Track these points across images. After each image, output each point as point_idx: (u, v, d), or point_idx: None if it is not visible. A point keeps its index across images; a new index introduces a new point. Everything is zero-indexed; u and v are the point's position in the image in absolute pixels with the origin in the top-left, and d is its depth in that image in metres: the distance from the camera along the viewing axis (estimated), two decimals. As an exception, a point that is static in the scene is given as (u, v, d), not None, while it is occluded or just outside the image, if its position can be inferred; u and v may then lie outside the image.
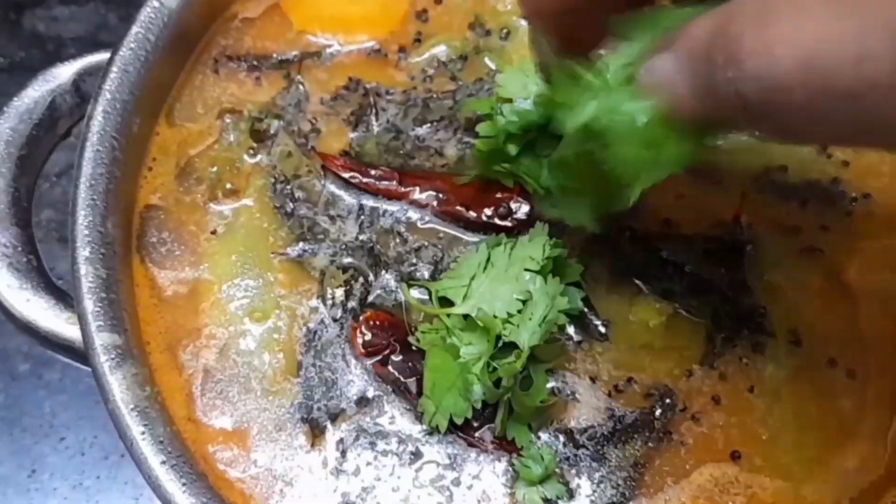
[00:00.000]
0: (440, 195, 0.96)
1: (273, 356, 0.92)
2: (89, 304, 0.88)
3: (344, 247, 0.96)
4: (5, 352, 1.15)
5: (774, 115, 0.58)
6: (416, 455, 0.89)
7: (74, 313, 0.90)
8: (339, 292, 0.94)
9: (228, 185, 0.98)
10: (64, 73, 1.02)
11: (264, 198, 0.98)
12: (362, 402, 0.90)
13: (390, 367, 0.89)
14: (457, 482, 0.88)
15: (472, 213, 0.95)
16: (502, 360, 0.85)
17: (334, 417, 0.90)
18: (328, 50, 1.04)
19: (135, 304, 0.94)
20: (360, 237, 0.96)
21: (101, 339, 0.87)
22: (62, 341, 0.92)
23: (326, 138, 1.00)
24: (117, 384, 0.85)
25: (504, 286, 0.87)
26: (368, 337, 0.90)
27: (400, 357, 0.90)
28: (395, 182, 0.97)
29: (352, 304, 0.94)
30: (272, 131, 1.00)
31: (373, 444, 0.89)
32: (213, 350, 0.93)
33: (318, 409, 0.90)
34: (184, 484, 0.82)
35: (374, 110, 1.01)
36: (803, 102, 0.56)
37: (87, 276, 0.89)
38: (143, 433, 0.83)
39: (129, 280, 0.94)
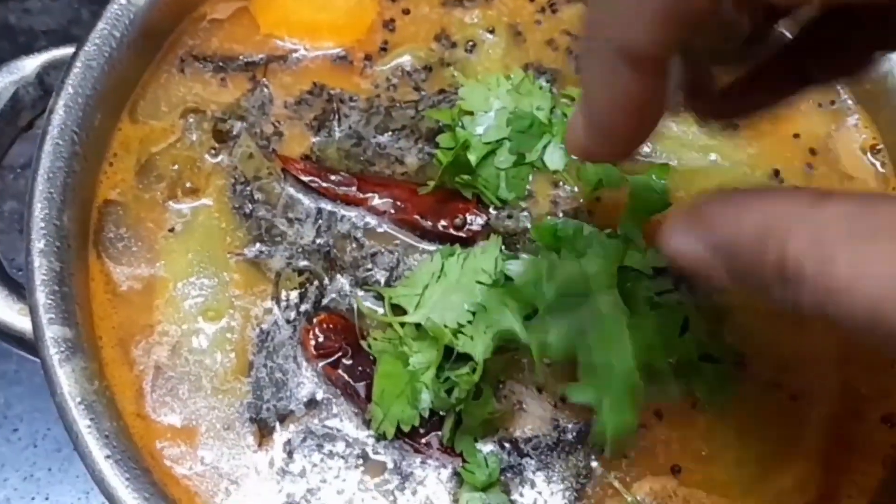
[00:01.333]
0: (398, 203, 0.97)
1: (225, 355, 0.93)
2: (41, 296, 0.88)
3: (300, 250, 0.97)
4: (-41, 342, 1.14)
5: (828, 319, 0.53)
6: (363, 459, 0.90)
7: (27, 305, 0.90)
8: (294, 294, 0.95)
9: (188, 184, 0.99)
10: (28, 65, 1.02)
11: (223, 198, 0.98)
12: (311, 404, 0.91)
13: (341, 371, 0.90)
14: (402, 487, 0.89)
15: (429, 223, 0.97)
16: (456, 370, 0.87)
17: (283, 418, 0.91)
18: (294, 54, 1.05)
19: (88, 298, 0.94)
20: (317, 241, 0.97)
21: (52, 332, 0.87)
22: (13, 332, 0.92)
23: (288, 142, 1.01)
24: (65, 377, 0.85)
25: (455, 297, 0.88)
26: (321, 339, 0.91)
27: (351, 361, 0.91)
28: (353, 188, 0.98)
29: (305, 306, 0.94)
30: (235, 132, 1.01)
31: (320, 447, 0.90)
32: (166, 347, 0.93)
33: (268, 409, 0.91)
34: (127, 479, 0.83)
35: (336, 116, 1.02)
36: (870, 328, 0.50)
37: (40, 269, 0.89)
38: (88, 427, 0.84)
39: (84, 274, 0.95)
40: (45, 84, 1.02)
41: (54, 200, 0.92)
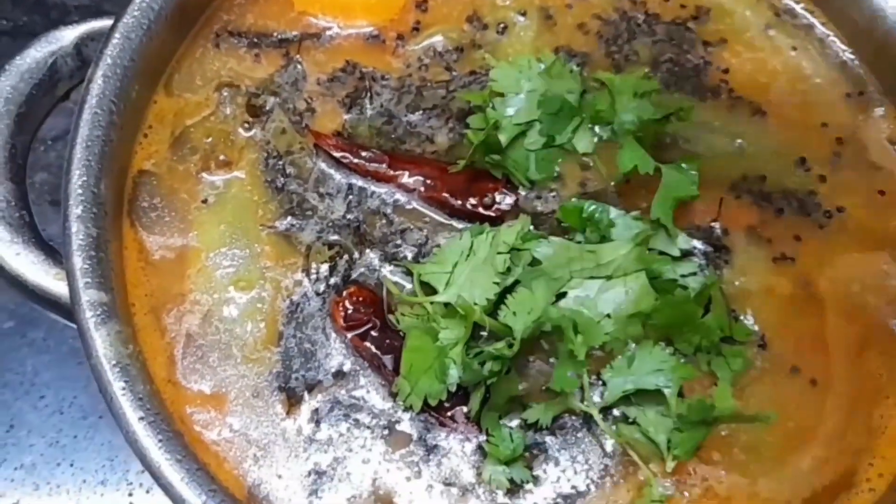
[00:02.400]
0: (428, 181, 0.99)
1: (255, 325, 0.94)
2: (78, 260, 0.90)
3: (331, 224, 0.98)
4: (-9, 308, 1.16)
5: None
6: (389, 430, 0.91)
7: (63, 270, 0.92)
8: (324, 268, 0.96)
9: (222, 157, 1.00)
10: (67, 36, 1.04)
11: (256, 171, 1.00)
12: (339, 375, 0.93)
13: (369, 343, 0.92)
14: (426, 459, 0.90)
15: (458, 201, 0.98)
16: (491, 345, 0.88)
17: (311, 388, 0.92)
18: (328, 32, 1.06)
19: (122, 265, 0.95)
20: (348, 216, 0.99)
21: (88, 296, 0.88)
22: (49, 296, 0.94)
23: (321, 118, 1.03)
24: (101, 340, 0.87)
25: (484, 274, 0.90)
26: (350, 311, 0.93)
27: (379, 333, 0.92)
28: (384, 165, 0.99)
29: (335, 279, 0.96)
30: (268, 107, 1.03)
31: (346, 416, 0.91)
32: (197, 316, 0.95)
33: (296, 378, 0.92)
34: (160, 440, 0.84)
35: (368, 94, 1.03)
36: None
37: (77, 234, 0.91)
38: (123, 389, 0.85)
39: (119, 242, 0.96)
40: (83, 55, 1.04)
41: (92, 168, 0.94)
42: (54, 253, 0.96)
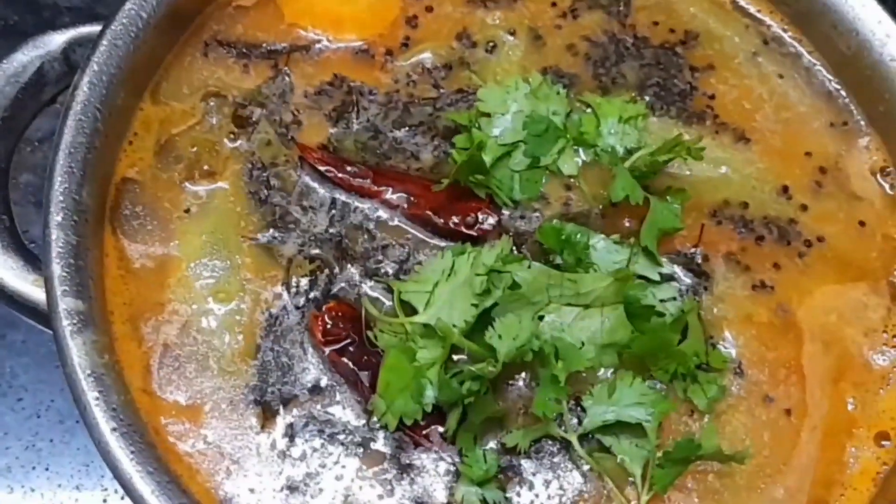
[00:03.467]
0: (411, 198, 0.99)
1: (233, 337, 0.94)
2: (57, 268, 0.89)
3: (313, 238, 0.98)
4: (-31, 310, 1.16)
5: None
6: (363, 447, 0.91)
7: (41, 276, 0.91)
8: (304, 281, 0.96)
9: (206, 167, 1.00)
10: (55, 40, 1.04)
11: (240, 182, 1.00)
12: (315, 390, 0.93)
13: (346, 358, 0.92)
14: (399, 477, 0.90)
15: (441, 219, 0.98)
16: (472, 363, 0.88)
17: (286, 402, 0.92)
18: (317, 45, 1.06)
19: (102, 273, 0.95)
20: (330, 230, 0.99)
21: (65, 304, 0.88)
22: (27, 302, 0.94)
23: (307, 131, 1.03)
24: (76, 349, 0.87)
25: (463, 296, 0.90)
26: (329, 326, 0.93)
27: (357, 349, 0.92)
28: (368, 180, 0.99)
29: (315, 293, 0.96)
30: (254, 118, 1.03)
31: (321, 432, 0.91)
32: (175, 326, 0.94)
33: (272, 392, 0.92)
34: (132, 452, 0.84)
35: (355, 108, 1.04)
36: None
37: (57, 241, 0.90)
38: (97, 399, 0.85)
39: (99, 249, 0.96)
40: (71, 60, 1.03)
41: (74, 175, 0.93)
42: (34, 259, 0.95)
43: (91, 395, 0.86)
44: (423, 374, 0.88)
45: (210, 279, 0.96)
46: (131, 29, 0.99)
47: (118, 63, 0.98)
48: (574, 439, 0.90)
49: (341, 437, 0.91)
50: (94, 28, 1.01)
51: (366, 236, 0.99)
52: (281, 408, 0.92)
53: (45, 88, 1.04)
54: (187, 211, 0.99)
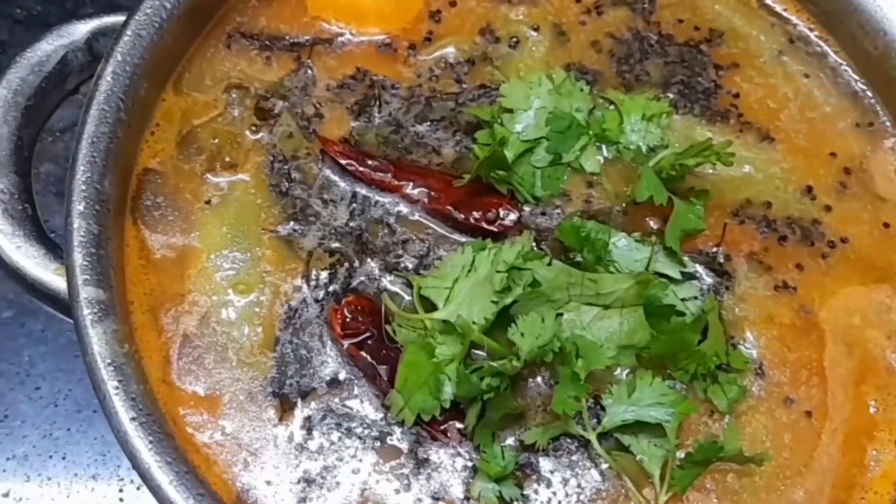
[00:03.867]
0: (432, 192, 0.99)
1: (252, 329, 0.94)
2: (78, 257, 0.89)
3: (333, 231, 0.98)
4: (-10, 298, 1.16)
5: None
6: (380, 441, 0.91)
7: (62, 265, 0.92)
8: (324, 274, 0.96)
9: (227, 158, 1.00)
10: (79, 30, 1.04)
11: (261, 174, 1.00)
12: (333, 383, 0.92)
13: (365, 352, 0.92)
14: (416, 472, 0.90)
15: (461, 214, 0.98)
16: (494, 359, 0.88)
17: (305, 395, 0.92)
18: (340, 38, 1.06)
19: (122, 263, 0.95)
20: (350, 223, 0.99)
21: (86, 293, 0.88)
22: (48, 291, 0.94)
23: (328, 124, 1.03)
24: (97, 338, 0.87)
25: (483, 293, 0.89)
26: (349, 319, 0.92)
27: (376, 343, 0.92)
28: (389, 175, 0.99)
29: (334, 287, 0.96)
30: (276, 111, 1.02)
31: (339, 426, 0.91)
32: (195, 316, 0.94)
33: (290, 385, 0.92)
34: (150, 441, 0.84)
35: (377, 102, 1.03)
36: None
37: (79, 231, 0.91)
38: (116, 388, 0.85)
39: (120, 239, 0.96)
40: (94, 50, 1.04)
41: (96, 164, 0.93)
42: (55, 247, 0.96)
43: (111, 384, 0.86)
44: (442, 370, 0.88)
45: (230, 271, 0.96)
46: (155, 19, 1.00)
47: (141, 53, 0.98)
48: (593, 437, 0.89)
49: (359, 430, 0.91)
50: (118, 18, 1.02)
51: (386, 230, 0.98)
52: (299, 400, 0.92)
53: (68, 78, 1.04)
54: (208, 202, 0.98)
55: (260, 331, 0.94)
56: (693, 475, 0.88)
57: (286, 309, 0.95)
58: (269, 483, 0.89)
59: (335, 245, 0.98)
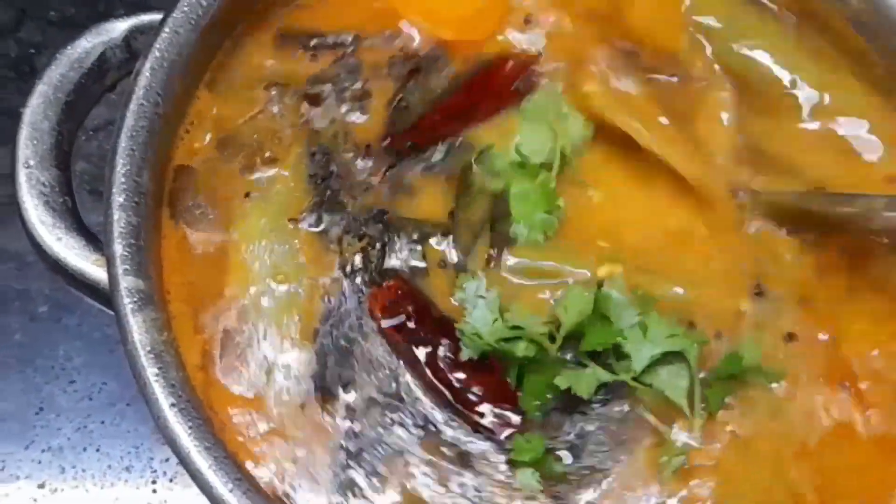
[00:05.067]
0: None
1: (291, 320, 0.95)
2: (119, 247, 0.90)
3: (363, 219, 0.99)
4: (27, 293, 1.17)
5: None
6: (423, 430, 0.91)
7: (102, 256, 0.93)
8: (358, 259, 0.97)
9: (267, 154, 1.01)
10: (117, 28, 1.05)
11: (300, 167, 1.00)
12: (374, 372, 0.93)
13: (405, 336, 0.92)
14: (458, 462, 0.91)
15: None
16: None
17: (346, 385, 0.93)
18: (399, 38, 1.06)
19: (160, 254, 0.96)
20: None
21: (126, 283, 0.89)
22: (88, 281, 0.95)
23: (377, 100, 1.03)
24: (137, 326, 0.88)
25: None
26: (387, 304, 0.93)
27: (415, 326, 0.92)
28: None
29: (370, 273, 0.96)
30: (324, 95, 1.03)
31: (382, 416, 0.92)
32: (233, 309, 0.95)
33: (331, 376, 0.93)
34: (190, 427, 0.85)
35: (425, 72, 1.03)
36: None
37: (119, 222, 0.91)
38: (156, 375, 0.86)
39: (158, 232, 0.97)
40: (132, 48, 1.05)
41: (135, 158, 0.94)
42: (94, 240, 0.97)
43: (151, 370, 0.86)
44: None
45: (268, 263, 0.97)
46: (192, 17, 1.00)
47: (179, 50, 0.99)
48: (628, 378, 0.90)
49: (401, 420, 0.92)
50: (156, 16, 1.03)
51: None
52: (340, 391, 0.92)
53: (107, 74, 1.05)
54: (247, 195, 0.99)
55: (299, 321, 0.95)
56: (722, 393, 0.91)
57: (325, 299, 0.95)
58: (308, 472, 0.90)
59: (363, 230, 0.98)
